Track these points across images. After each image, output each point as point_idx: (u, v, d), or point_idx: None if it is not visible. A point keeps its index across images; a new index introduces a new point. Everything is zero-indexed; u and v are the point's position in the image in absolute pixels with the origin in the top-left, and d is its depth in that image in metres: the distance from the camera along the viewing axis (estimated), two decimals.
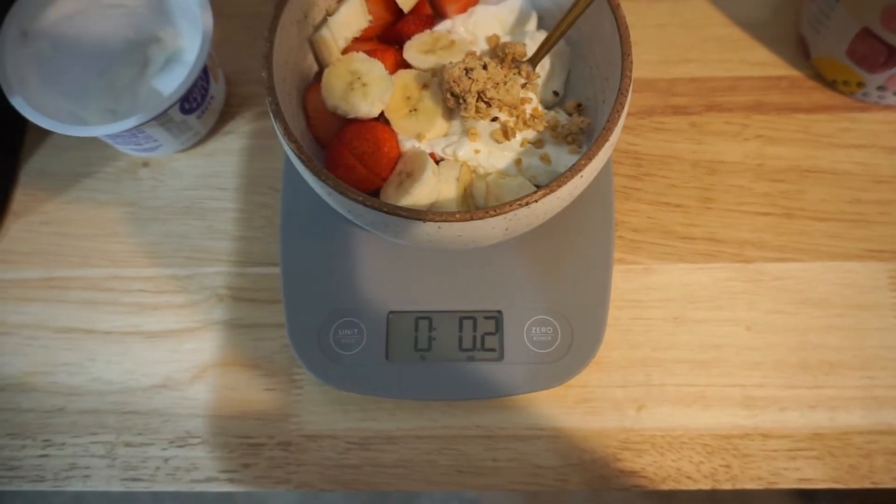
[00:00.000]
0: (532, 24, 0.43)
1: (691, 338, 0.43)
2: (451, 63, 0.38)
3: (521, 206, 0.33)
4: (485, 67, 0.37)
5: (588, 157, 0.34)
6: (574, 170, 0.33)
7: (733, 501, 1.05)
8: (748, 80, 0.49)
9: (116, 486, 0.41)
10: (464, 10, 0.43)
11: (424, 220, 0.33)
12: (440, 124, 0.40)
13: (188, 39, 0.49)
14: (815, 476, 0.40)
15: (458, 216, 0.33)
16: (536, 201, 0.33)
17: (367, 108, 0.38)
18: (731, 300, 0.44)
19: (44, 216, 0.48)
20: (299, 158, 0.34)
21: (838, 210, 0.45)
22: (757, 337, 0.43)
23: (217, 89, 0.47)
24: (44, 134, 0.50)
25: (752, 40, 0.50)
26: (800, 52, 0.49)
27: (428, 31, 0.42)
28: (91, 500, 1.12)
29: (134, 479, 0.42)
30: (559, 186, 0.33)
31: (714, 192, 0.46)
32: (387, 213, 0.33)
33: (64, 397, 0.43)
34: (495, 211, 0.33)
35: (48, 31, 0.44)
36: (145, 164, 0.48)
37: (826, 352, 0.42)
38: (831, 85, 0.48)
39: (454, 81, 0.37)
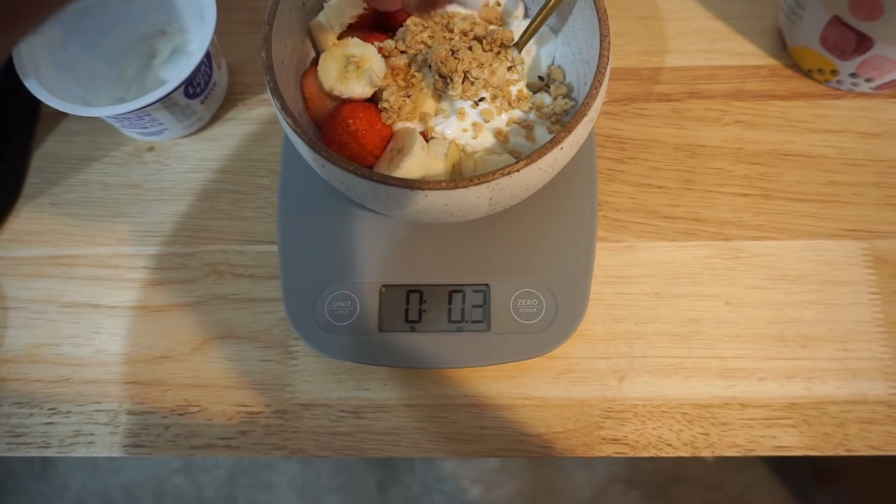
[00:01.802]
0: (519, 12, 0.45)
1: (672, 312, 0.45)
2: (438, 45, 0.40)
3: (503, 175, 0.35)
4: (470, 49, 0.40)
5: (568, 130, 0.36)
6: (554, 141, 0.35)
7: None
8: (728, 69, 0.51)
9: (118, 452, 0.43)
10: None
11: (412, 189, 0.35)
12: (430, 105, 0.42)
13: (193, 33, 0.51)
14: (791, 444, 0.42)
15: (444, 184, 0.35)
16: (518, 171, 0.35)
17: (360, 89, 0.41)
18: (711, 276, 0.45)
19: (54, 197, 0.50)
20: (295, 132, 0.36)
21: (814, 191, 0.47)
22: (736, 311, 0.44)
23: (220, 76, 0.49)
24: (55, 120, 0.52)
25: (732, 31, 0.52)
26: (777, 42, 0.51)
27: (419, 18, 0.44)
28: (92, 501, 1.14)
29: (136, 446, 0.43)
30: (540, 157, 0.35)
31: (695, 175, 0.48)
32: (377, 182, 0.35)
33: (70, 368, 0.45)
34: (479, 179, 0.35)
35: (61, 20, 0.47)
36: (150, 149, 0.51)
37: (802, 325, 0.44)
38: (807, 74, 0.50)
39: (441, 62, 0.39)
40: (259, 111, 0.51)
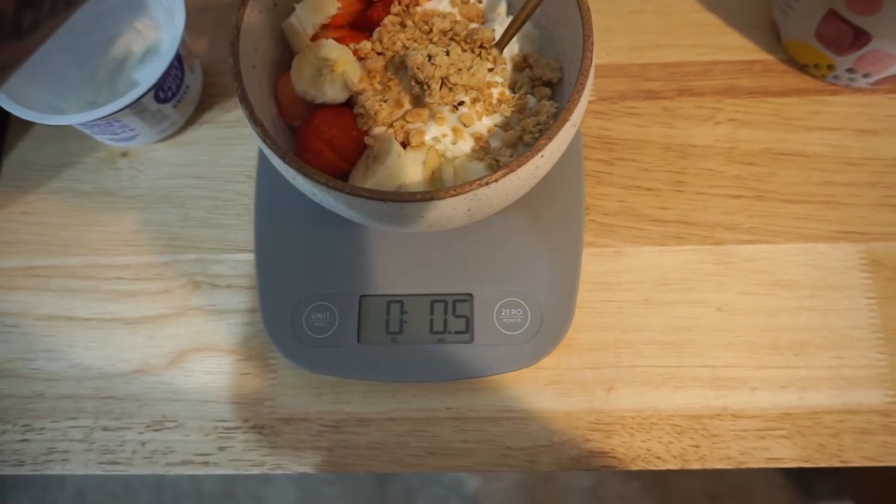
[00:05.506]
0: (501, 9, 0.43)
1: (662, 319, 0.43)
2: (414, 49, 0.38)
3: (481, 185, 0.33)
4: (447, 53, 0.38)
5: (548, 137, 0.34)
6: (535, 149, 0.34)
7: (733, 500, 1.05)
8: (721, 64, 0.49)
9: (94, 470, 0.42)
10: None
11: (385, 201, 0.33)
12: (407, 109, 0.40)
13: (166, 32, 0.49)
14: (785, 455, 0.41)
15: (419, 196, 0.33)
16: (497, 181, 0.33)
17: (335, 93, 0.39)
18: (701, 282, 0.44)
19: (25, 206, 0.48)
20: (264, 142, 0.35)
21: (809, 192, 0.45)
22: (728, 318, 0.43)
23: (193, 79, 0.48)
24: (25, 127, 0.50)
25: (725, 25, 0.50)
26: (771, 35, 0.49)
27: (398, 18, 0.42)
28: (92, 496, 1.14)
29: (111, 463, 0.42)
30: (519, 166, 0.33)
31: (686, 176, 0.46)
32: (349, 194, 0.33)
33: (43, 383, 0.44)
34: (455, 191, 0.33)
35: None
36: (124, 155, 0.49)
37: (796, 332, 0.42)
38: (803, 69, 0.48)
39: (417, 68, 0.38)
40: (235, 114, 0.50)
